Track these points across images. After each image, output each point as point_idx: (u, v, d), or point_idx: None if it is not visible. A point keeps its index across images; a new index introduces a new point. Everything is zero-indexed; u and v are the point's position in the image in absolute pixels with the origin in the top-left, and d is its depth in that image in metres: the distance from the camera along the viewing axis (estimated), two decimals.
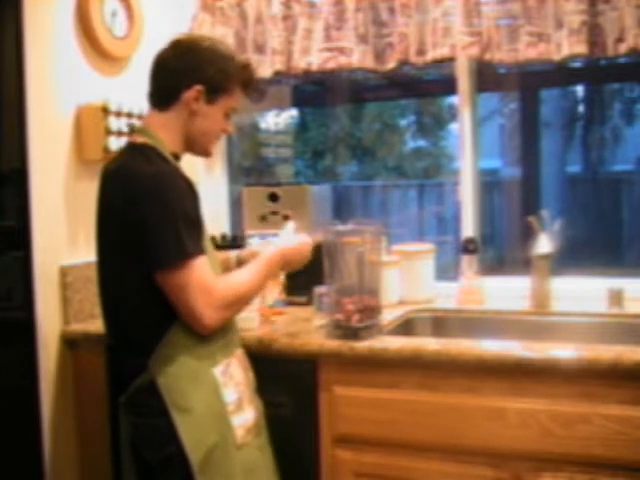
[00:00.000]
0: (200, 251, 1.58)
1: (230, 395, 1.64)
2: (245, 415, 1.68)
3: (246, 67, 1.75)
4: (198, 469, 1.56)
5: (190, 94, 1.66)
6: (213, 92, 1.68)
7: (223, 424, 1.62)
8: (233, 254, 2.04)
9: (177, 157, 1.71)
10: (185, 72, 1.66)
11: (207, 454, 1.57)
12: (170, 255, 1.54)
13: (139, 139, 1.67)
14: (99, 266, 1.72)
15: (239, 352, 1.75)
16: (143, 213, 1.54)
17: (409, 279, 2.42)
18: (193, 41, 1.72)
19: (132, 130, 1.76)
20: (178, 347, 1.60)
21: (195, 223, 1.60)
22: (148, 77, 1.71)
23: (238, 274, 1.71)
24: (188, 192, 1.60)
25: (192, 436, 1.57)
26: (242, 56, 1.80)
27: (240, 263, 1.98)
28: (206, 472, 1.57)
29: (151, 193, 1.54)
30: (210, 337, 1.63)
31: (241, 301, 1.68)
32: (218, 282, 1.61)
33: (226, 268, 2.00)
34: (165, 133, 1.68)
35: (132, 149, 1.67)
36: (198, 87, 1.66)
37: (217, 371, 1.64)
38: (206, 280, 1.57)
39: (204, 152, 1.78)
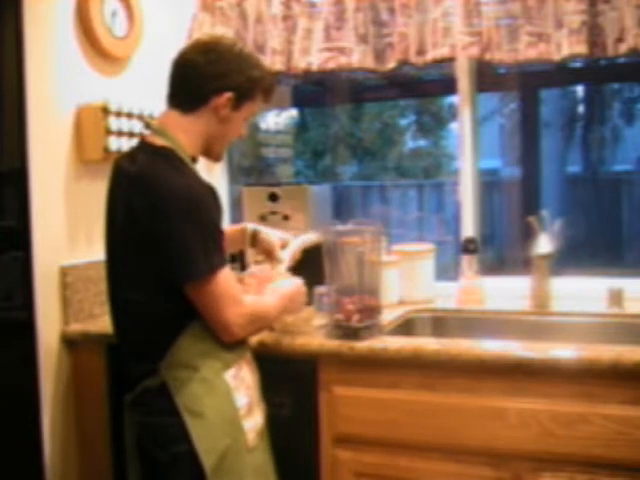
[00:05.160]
0: (224, 263, 1.61)
1: (241, 399, 1.64)
2: (255, 418, 1.68)
3: (269, 74, 1.78)
4: (211, 473, 1.56)
5: (220, 100, 1.65)
6: (240, 99, 1.68)
7: (235, 428, 1.62)
8: (250, 227, 2.05)
9: (194, 160, 1.71)
10: (216, 78, 1.65)
11: (220, 458, 1.58)
12: (197, 269, 1.55)
13: (158, 141, 1.64)
14: (109, 266, 1.71)
15: (248, 355, 1.75)
16: (171, 226, 1.54)
17: (409, 279, 2.42)
18: (223, 46, 1.69)
19: (147, 126, 1.72)
20: (189, 352, 1.60)
21: (220, 233, 1.62)
22: (169, 77, 1.70)
23: (266, 298, 1.77)
24: (213, 204, 1.61)
25: (205, 441, 1.57)
26: (263, 62, 1.81)
27: (254, 242, 2.03)
28: (218, 475, 1.57)
29: (180, 208, 1.54)
30: (221, 341, 1.63)
31: (263, 321, 1.73)
32: (246, 296, 1.68)
33: (240, 242, 2.03)
34: (186, 136, 1.66)
35: (153, 153, 1.63)
36: (229, 94, 1.66)
37: (229, 375, 1.63)
38: (234, 291, 1.62)
39: (218, 156, 1.79)
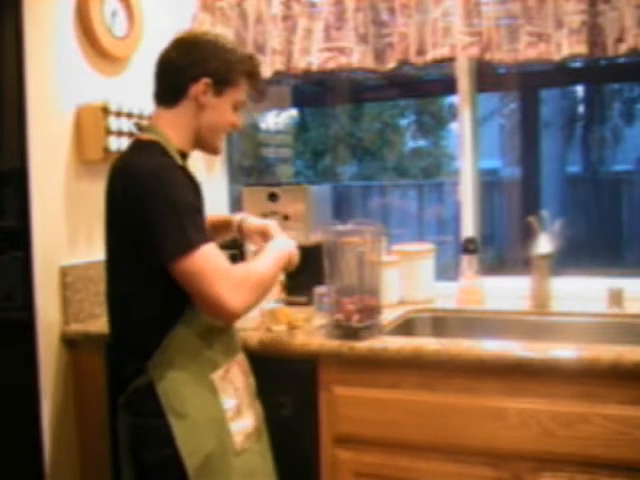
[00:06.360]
0: (205, 238, 1.55)
1: (229, 401, 1.64)
2: (244, 421, 1.67)
3: (250, 58, 1.76)
4: (194, 474, 1.55)
5: (198, 87, 1.66)
6: (220, 84, 1.68)
7: (221, 430, 1.61)
8: (236, 218, 1.99)
9: (185, 155, 1.71)
10: (190, 67, 1.66)
11: (204, 460, 1.57)
12: (175, 248, 1.52)
13: (145, 137, 1.67)
14: (107, 266, 1.71)
15: (240, 357, 1.75)
16: (145, 210, 1.54)
17: (409, 279, 2.42)
18: (195, 36, 1.72)
19: (139, 128, 1.76)
20: (177, 351, 1.59)
21: (198, 211, 1.59)
22: (153, 77, 1.71)
23: (253, 261, 1.71)
24: (187, 183, 1.60)
25: (189, 442, 1.56)
26: (244, 48, 1.81)
27: (241, 232, 1.96)
28: (202, 475, 1.56)
29: (150, 189, 1.54)
30: (210, 342, 1.63)
31: (260, 286, 1.63)
32: (234, 266, 1.61)
33: (226, 232, 1.99)
34: (173, 130, 1.67)
35: (135, 146, 1.67)
36: (206, 80, 1.66)
37: (216, 376, 1.63)
38: (218, 264, 1.54)
39: (213, 149, 1.77)
